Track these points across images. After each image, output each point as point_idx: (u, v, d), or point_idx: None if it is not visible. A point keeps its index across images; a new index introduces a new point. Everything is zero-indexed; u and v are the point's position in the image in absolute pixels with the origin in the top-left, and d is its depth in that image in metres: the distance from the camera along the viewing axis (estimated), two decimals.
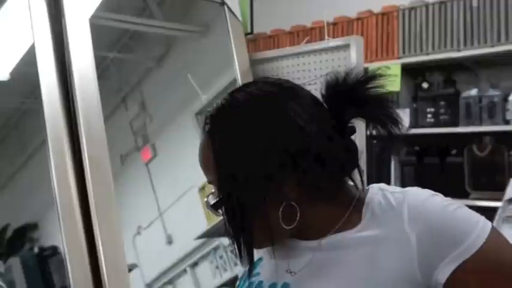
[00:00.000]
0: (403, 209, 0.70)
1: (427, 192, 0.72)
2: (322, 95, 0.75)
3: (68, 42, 1.10)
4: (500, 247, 0.69)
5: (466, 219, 0.70)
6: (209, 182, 0.76)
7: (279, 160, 0.68)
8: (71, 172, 1.06)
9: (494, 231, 0.70)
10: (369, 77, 0.74)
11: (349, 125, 0.75)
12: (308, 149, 0.69)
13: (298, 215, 0.71)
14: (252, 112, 0.70)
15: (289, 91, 0.74)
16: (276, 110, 0.70)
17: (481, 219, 0.71)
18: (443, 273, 0.66)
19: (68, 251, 1.00)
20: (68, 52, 1.10)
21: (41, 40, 1.10)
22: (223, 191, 0.72)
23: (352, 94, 0.73)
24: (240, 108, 0.72)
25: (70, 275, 0.99)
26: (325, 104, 0.75)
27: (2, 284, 1.57)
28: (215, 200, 0.73)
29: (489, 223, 0.71)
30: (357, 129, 0.77)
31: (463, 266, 0.66)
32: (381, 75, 0.74)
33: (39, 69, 1.08)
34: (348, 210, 0.74)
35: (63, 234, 1.00)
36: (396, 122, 0.74)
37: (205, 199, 0.77)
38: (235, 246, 0.72)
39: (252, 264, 0.73)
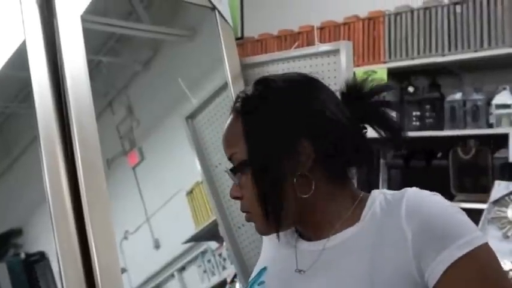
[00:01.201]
0: (402, 206, 0.72)
1: (428, 192, 0.75)
2: (342, 95, 0.82)
3: (60, 43, 1.09)
4: (490, 260, 0.69)
5: (464, 223, 0.71)
6: (229, 158, 0.82)
7: (300, 135, 0.76)
8: (63, 174, 1.05)
9: (488, 246, 0.70)
10: (382, 87, 0.83)
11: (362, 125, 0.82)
12: (327, 132, 0.76)
13: (314, 185, 0.75)
14: (279, 91, 0.78)
15: (319, 83, 0.81)
16: (302, 91, 0.78)
17: (479, 231, 0.72)
18: (434, 274, 0.66)
19: (61, 255, 0.99)
20: (60, 53, 1.09)
21: (33, 41, 1.09)
22: (251, 160, 0.77)
23: (366, 100, 0.81)
24: (269, 88, 0.79)
25: (63, 279, 0.98)
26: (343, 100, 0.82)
27: None
28: (236, 164, 0.80)
29: (486, 237, 0.71)
30: None
31: (453, 267, 0.66)
32: (390, 87, 0.86)
33: (30, 71, 1.07)
34: (352, 207, 0.78)
35: (56, 238, 0.99)
36: (399, 130, 0.81)
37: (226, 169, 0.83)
38: (262, 213, 0.77)
39: (278, 230, 0.78)
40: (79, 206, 1.05)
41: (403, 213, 0.71)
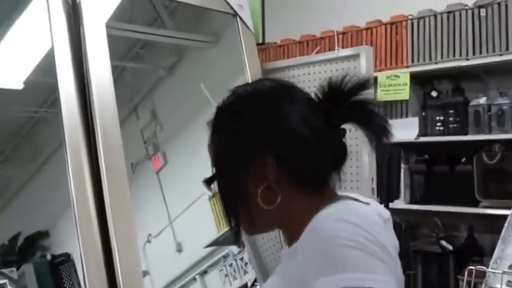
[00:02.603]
0: (306, 229, 0.71)
1: (337, 217, 0.68)
2: (317, 98, 0.81)
3: (86, 51, 1.13)
4: None
5: (338, 259, 0.63)
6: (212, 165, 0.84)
7: (262, 147, 0.76)
8: (88, 179, 1.08)
9: None
10: (361, 84, 0.79)
11: (341, 127, 0.80)
12: (289, 146, 0.75)
13: (279, 197, 0.75)
14: (246, 105, 0.79)
15: (286, 90, 0.80)
16: (268, 106, 0.78)
17: (365, 275, 0.62)
18: None
19: (84, 257, 1.02)
20: (86, 60, 1.12)
21: (60, 48, 1.13)
22: (215, 169, 0.81)
23: (344, 99, 0.78)
24: (237, 101, 0.80)
25: (87, 281, 1.01)
26: (318, 106, 0.80)
27: None
28: (209, 177, 0.83)
29: (373, 284, 0.61)
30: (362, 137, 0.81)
31: None
32: (370, 83, 0.80)
33: (57, 77, 1.10)
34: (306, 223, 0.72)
35: (80, 241, 1.02)
36: (385, 129, 0.78)
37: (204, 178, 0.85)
38: (229, 224, 0.80)
39: (238, 240, 0.82)
40: (102, 209, 1.08)
41: (302, 235, 0.71)
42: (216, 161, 0.81)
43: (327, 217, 0.69)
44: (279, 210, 0.76)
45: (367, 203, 0.79)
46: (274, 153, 0.75)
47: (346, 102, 0.78)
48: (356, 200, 0.79)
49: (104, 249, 1.07)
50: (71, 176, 1.06)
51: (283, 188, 0.76)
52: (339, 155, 0.80)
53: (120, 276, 1.04)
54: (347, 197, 0.78)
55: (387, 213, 0.81)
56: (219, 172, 0.80)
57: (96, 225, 1.07)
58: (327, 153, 0.77)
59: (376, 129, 0.78)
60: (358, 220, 0.67)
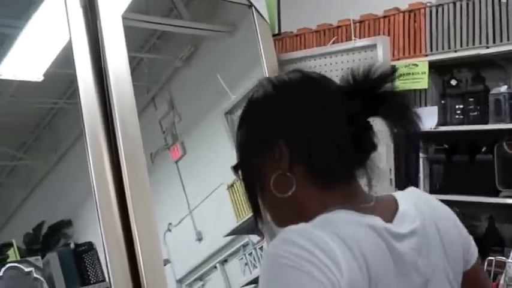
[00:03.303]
0: None
1: (284, 236, 0.67)
2: (343, 89, 0.77)
3: (103, 43, 1.14)
4: None
5: (271, 277, 0.65)
6: None
7: (276, 135, 0.76)
8: (108, 168, 1.10)
9: None
10: (388, 74, 0.76)
11: (367, 121, 0.76)
12: (304, 133, 0.74)
13: (294, 187, 0.74)
14: (265, 95, 0.79)
15: (310, 81, 0.80)
16: (288, 96, 0.78)
17: None
18: None
19: (106, 245, 1.04)
20: (104, 52, 1.14)
21: (78, 41, 1.14)
22: (237, 156, 0.81)
23: (370, 91, 0.75)
24: (257, 91, 0.80)
25: (109, 268, 1.03)
26: (342, 97, 0.76)
27: (41, 278, 1.64)
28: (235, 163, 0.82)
29: None
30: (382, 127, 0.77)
31: None
32: (395, 74, 0.76)
33: (76, 69, 1.12)
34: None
35: (102, 229, 1.04)
36: (412, 121, 0.74)
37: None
38: (251, 210, 0.81)
39: (256, 219, 0.81)
40: (123, 199, 1.10)
41: None
42: (237, 148, 0.82)
43: (284, 232, 0.67)
44: (295, 202, 0.76)
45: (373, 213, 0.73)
46: (288, 142, 0.75)
47: (372, 93, 0.75)
48: (368, 203, 0.74)
49: (125, 237, 1.09)
50: (91, 166, 1.08)
51: (298, 179, 0.75)
52: (362, 149, 0.76)
53: (142, 264, 1.07)
54: (354, 205, 0.73)
55: (408, 227, 0.75)
56: (240, 159, 0.81)
57: (117, 215, 1.09)
58: (346, 146, 0.74)
59: (405, 124, 0.75)
60: (304, 239, 0.65)
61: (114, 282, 1.04)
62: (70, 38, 1.12)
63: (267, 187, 0.77)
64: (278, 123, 0.77)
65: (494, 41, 2.55)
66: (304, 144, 0.74)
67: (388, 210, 0.76)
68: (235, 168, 0.82)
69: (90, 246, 1.85)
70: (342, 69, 1.42)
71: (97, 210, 1.06)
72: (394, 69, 0.77)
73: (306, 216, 0.72)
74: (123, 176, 1.09)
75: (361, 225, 0.70)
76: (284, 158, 0.75)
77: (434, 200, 0.86)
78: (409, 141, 0.77)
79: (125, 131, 1.11)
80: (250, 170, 0.80)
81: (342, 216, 0.71)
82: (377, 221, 0.71)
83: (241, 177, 0.81)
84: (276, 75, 0.82)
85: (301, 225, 0.68)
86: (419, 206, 0.80)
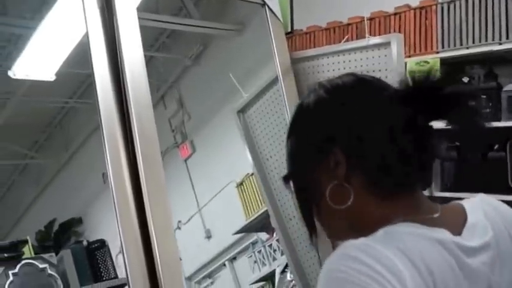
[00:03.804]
0: None
1: (344, 251, 0.63)
2: (400, 92, 0.71)
3: (119, 39, 1.14)
4: None
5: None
6: None
7: (331, 142, 0.70)
8: (125, 165, 1.10)
9: None
10: (452, 73, 0.72)
11: (430, 125, 0.70)
12: (361, 139, 0.69)
13: (352, 198, 0.69)
14: (319, 100, 0.74)
15: (365, 84, 0.75)
16: (341, 100, 0.73)
17: None
18: None
19: (124, 243, 1.05)
20: (120, 50, 1.14)
21: (95, 39, 1.14)
22: (288, 165, 0.76)
23: (433, 92, 0.69)
24: (309, 96, 0.76)
25: (127, 265, 1.04)
26: (401, 101, 0.70)
27: (55, 275, 1.65)
28: (285, 174, 0.77)
29: None
30: None
31: None
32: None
33: (93, 66, 1.12)
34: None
35: (119, 226, 1.05)
36: (481, 126, 0.70)
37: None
38: (304, 223, 0.76)
39: (310, 233, 0.75)
40: (140, 195, 1.10)
41: None
42: (289, 157, 0.77)
43: (343, 247, 0.63)
44: (352, 213, 0.71)
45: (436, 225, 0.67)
46: (344, 149, 0.70)
47: (435, 94, 0.69)
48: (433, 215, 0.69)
49: (142, 234, 1.10)
50: (109, 163, 1.08)
51: (356, 189, 0.69)
52: (424, 155, 0.70)
53: (158, 261, 1.07)
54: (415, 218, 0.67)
55: (479, 240, 0.69)
56: (292, 168, 0.76)
57: (134, 211, 1.10)
58: (408, 152, 0.68)
59: (472, 129, 0.70)
60: (365, 254, 0.61)
61: (131, 278, 1.05)
62: (88, 37, 1.12)
63: (322, 198, 0.71)
64: (332, 128, 0.71)
65: (507, 37, 2.52)
66: (361, 151, 0.69)
67: (456, 221, 0.71)
68: (286, 179, 0.76)
69: (102, 244, 1.87)
70: (355, 67, 1.42)
71: (114, 207, 1.06)
72: (458, 70, 0.72)
73: (364, 229, 0.67)
74: (140, 173, 1.09)
75: (427, 239, 0.64)
76: (340, 166, 0.70)
77: (503, 206, 0.79)
78: (474, 147, 0.72)
79: (141, 128, 1.12)
80: (303, 180, 0.75)
81: (406, 230, 0.65)
82: (445, 234, 0.66)
83: (292, 188, 0.76)
84: (327, 80, 0.77)
85: (362, 240, 0.64)
86: (490, 215, 0.74)
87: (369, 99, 0.72)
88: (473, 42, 2.59)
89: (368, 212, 0.70)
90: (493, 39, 2.54)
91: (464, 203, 0.75)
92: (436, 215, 0.70)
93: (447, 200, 0.79)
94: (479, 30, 2.57)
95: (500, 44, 2.53)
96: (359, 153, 0.69)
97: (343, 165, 0.69)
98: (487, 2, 2.55)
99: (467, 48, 2.61)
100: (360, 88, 0.74)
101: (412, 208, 0.69)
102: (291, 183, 0.76)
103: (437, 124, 0.70)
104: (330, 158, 0.70)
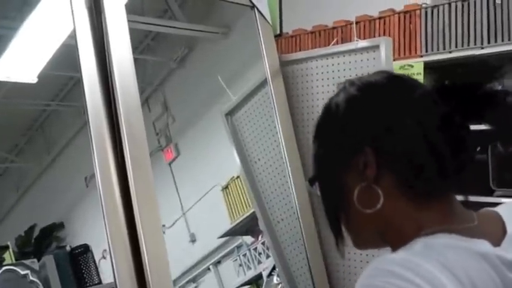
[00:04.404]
0: None
1: (379, 265, 0.60)
2: (436, 91, 0.68)
3: (108, 40, 1.12)
4: None
5: None
6: None
7: (361, 140, 0.67)
8: (113, 168, 1.08)
9: None
10: (491, 71, 0.67)
11: (467, 126, 0.67)
12: (393, 137, 0.66)
13: (381, 201, 0.65)
14: (348, 98, 0.71)
15: (398, 82, 0.72)
16: (372, 98, 0.70)
17: None
18: None
19: (112, 247, 1.03)
20: (109, 51, 1.12)
21: (82, 38, 1.12)
22: (315, 166, 0.73)
23: (471, 91, 0.66)
24: (339, 94, 0.73)
25: (115, 270, 1.02)
26: (440, 99, 0.67)
27: (37, 281, 1.62)
28: (311, 176, 0.74)
29: None
30: None
31: None
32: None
33: (81, 66, 1.10)
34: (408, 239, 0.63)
35: (107, 230, 1.03)
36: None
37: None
38: (330, 226, 0.72)
39: (337, 240, 0.71)
40: (128, 198, 1.09)
41: None
42: (315, 158, 0.73)
43: (378, 261, 0.59)
44: (382, 219, 0.66)
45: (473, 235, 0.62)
46: (374, 147, 0.66)
47: (474, 93, 0.66)
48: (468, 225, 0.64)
49: (130, 238, 1.08)
50: (97, 166, 1.06)
51: (386, 192, 0.65)
52: (461, 157, 0.66)
53: (147, 264, 1.05)
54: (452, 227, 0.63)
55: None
56: (318, 170, 0.73)
57: (122, 214, 1.08)
58: (444, 153, 0.64)
59: (508, 129, 0.66)
60: (404, 269, 0.57)
61: (119, 283, 1.03)
62: (76, 37, 1.10)
63: (349, 201, 0.67)
64: (363, 127, 0.68)
65: (489, 42, 2.57)
66: (393, 151, 0.65)
67: (495, 230, 0.66)
68: (312, 181, 0.73)
69: (85, 249, 1.84)
70: (344, 69, 1.42)
71: (102, 209, 1.04)
72: (498, 67, 0.69)
73: (395, 237, 0.65)
74: (128, 175, 1.08)
75: (469, 252, 0.60)
76: (370, 166, 0.66)
77: None
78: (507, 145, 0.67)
79: (130, 130, 1.10)
80: (330, 182, 0.71)
81: (446, 242, 0.61)
82: (486, 246, 0.62)
83: (318, 191, 0.72)
84: (358, 77, 0.74)
85: (399, 253, 0.60)
86: None
87: (402, 97, 0.68)
88: (456, 47, 2.63)
89: (399, 218, 0.66)
90: (475, 44, 2.59)
91: (500, 210, 0.71)
92: (474, 224, 0.66)
93: None
94: (461, 35, 2.61)
95: (482, 48, 2.57)
96: (390, 152, 0.66)
97: (372, 165, 0.66)
98: (469, 7, 2.59)
99: (450, 52, 2.65)
100: (393, 85, 0.71)
101: (448, 215, 0.66)
102: (317, 186, 0.72)
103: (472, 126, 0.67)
104: (359, 158, 0.66)
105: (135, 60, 3.13)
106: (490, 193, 2.58)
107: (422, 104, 0.67)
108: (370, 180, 0.66)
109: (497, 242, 0.64)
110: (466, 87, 0.66)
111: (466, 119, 0.66)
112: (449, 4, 2.66)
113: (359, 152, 0.67)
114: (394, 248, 0.66)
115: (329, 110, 0.72)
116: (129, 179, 1.09)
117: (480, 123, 0.66)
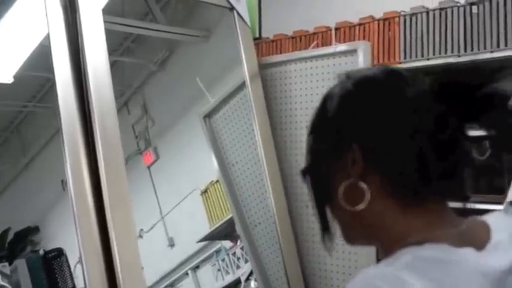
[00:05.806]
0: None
1: (366, 280, 0.59)
2: (433, 89, 0.66)
3: (83, 43, 1.10)
4: None
5: None
6: None
7: (348, 136, 0.67)
8: (86, 172, 1.06)
9: None
10: (494, 71, 0.65)
11: (464, 128, 0.65)
12: (381, 134, 0.65)
13: (367, 198, 0.64)
14: (341, 91, 0.70)
15: (394, 77, 0.69)
16: (364, 92, 0.69)
17: None
18: None
19: (83, 252, 1.01)
20: (84, 52, 1.10)
21: (57, 41, 1.10)
22: (306, 160, 0.73)
23: (471, 91, 0.63)
24: (334, 87, 0.72)
25: (86, 275, 1.00)
26: (437, 99, 0.65)
27: (7, 285, 1.58)
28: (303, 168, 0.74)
29: None
30: None
31: None
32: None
33: (54, 67, 1.08)
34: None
35: (78, 235, 1.01)
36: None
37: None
38: (319, 220, 0.71)
39: (323, 234, 0.71)
40: (101, 203, 1.07)
41: None
42: (307, 151, 0.73)
43: (364, 274, 0.58)
44: (368, 217, 0.66)
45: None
46: (362, 145, 0.65)
47: (473, 93, 0.63)
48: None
49: (102, 243, 1.06)
50: (69, 170, 1.04)
51: (374, 191, 0.64)
52: (454, 160, 0.64)
53: (119, 270, 1.03)
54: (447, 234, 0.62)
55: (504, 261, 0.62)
56: (309, 163, 0.72)
57: (95, 220, 1.06)
58: (437, 155, 0.63)
59: (507, 133, 0.64)
60: (389, 285, 0.56)
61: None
62: (49, 37, 1.08)
63: (335, 197, 0.67)
64: (352, 123, 0.67)
65: (465, 50, 2.62)
66: (381, 149, 0.64)
67: (483, 238, 0.65)
68: (304, 173, 0.73)
69: (59, 253, 1.80)
70: (322, 73, 1.43)
71: (74, 215, 1.02)
72: (502, 67, 0.65)
73: (382, 236, 0.64)
74: (102, 180, 1.05)
75: (457, 266, 0.59)
76: (357, 163, 0.65)
77: None
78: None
79: (103, 135, 1.08)
80: (319, 175, 0.71)
81: (434, 256, 0.59)
82: (473, 256, 0.60)
83: (309, 183, 0.72)
84: (359, 70, 0.73)
85: (388, 268, 0.58)
86: None
87: (395, 95, 0.66)
88: (434, 54, 2.67)
89: (386, 219, 0.65)
90: (452, 52, 2.63)
91: (487, 218, 0.70)
92: (462, 228, 0.64)
93: None
94: (439, 43, 2.65)
95: (459, 56, 2.62)
96: (378, 152, 0.64)
97: (359, 163, 0.65)
98: (446, 15, 2.64)
99: (428, 59, 2.69)
100: (390, 81, 0.68)
101: (436, 218, 0.64)
102: (308, 178, 0.72)
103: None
104: (347, 154, 0.65)
105: (115, 62, 3.10)
106: (465, 199, 2.62)
107: (415, 103, 0.65)
108: (356, 177, 0.65)
109: (482, 248, 0.63)
110: (465, 87, 0.64)
111: (461, 120, 0.64)
112: (427, 12, 2.71)
113: (347, 149, 0.66)
114: (382, 248, 0.66)
115: (324, 103, 0.71)
116: (102, 184, 1.07)
117: (477, 126, 0.65)
